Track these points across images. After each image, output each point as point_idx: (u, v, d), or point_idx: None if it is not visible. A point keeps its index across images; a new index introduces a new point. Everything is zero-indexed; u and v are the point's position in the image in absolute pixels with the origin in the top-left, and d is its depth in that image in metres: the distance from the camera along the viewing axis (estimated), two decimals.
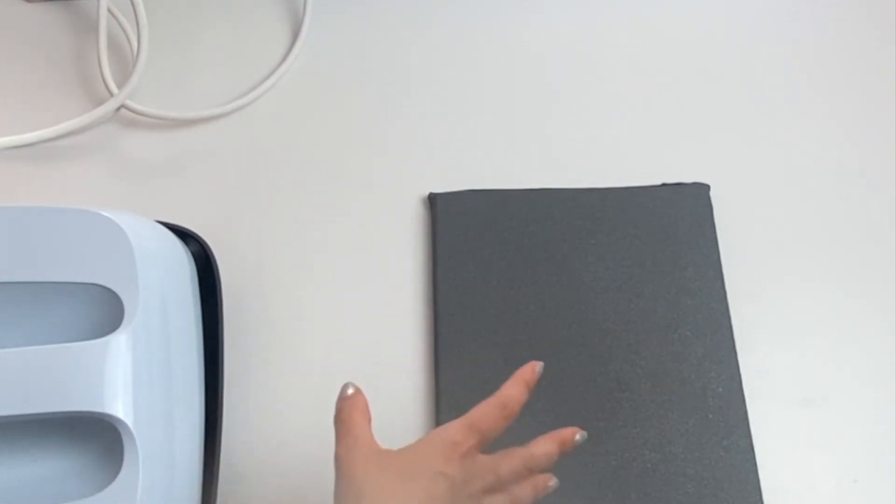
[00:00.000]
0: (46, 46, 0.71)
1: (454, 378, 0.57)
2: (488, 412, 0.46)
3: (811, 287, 0.61)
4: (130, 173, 0.66)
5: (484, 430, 0.46)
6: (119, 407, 0.44)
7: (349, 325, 0.60)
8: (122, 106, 0.66)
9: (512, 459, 0.47)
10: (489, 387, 0.57)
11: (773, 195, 0.65)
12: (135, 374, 0.46)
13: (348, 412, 0.46)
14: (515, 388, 0.47)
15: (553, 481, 0.48)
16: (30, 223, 0.48)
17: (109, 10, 0.69)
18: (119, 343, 0.45)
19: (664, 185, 0.64)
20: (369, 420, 0.47)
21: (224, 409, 0.55)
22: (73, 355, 0.45)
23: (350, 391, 0.47)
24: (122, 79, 0.67)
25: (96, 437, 0.48)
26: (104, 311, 0.48)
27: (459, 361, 0.58)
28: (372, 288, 0.61)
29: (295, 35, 0.72)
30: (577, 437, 0.48)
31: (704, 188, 0.64)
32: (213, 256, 0.57)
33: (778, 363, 0.58)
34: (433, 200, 0.64)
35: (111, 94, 0.66)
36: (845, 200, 0.64)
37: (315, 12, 0.72)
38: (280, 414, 0.57)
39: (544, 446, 0.47)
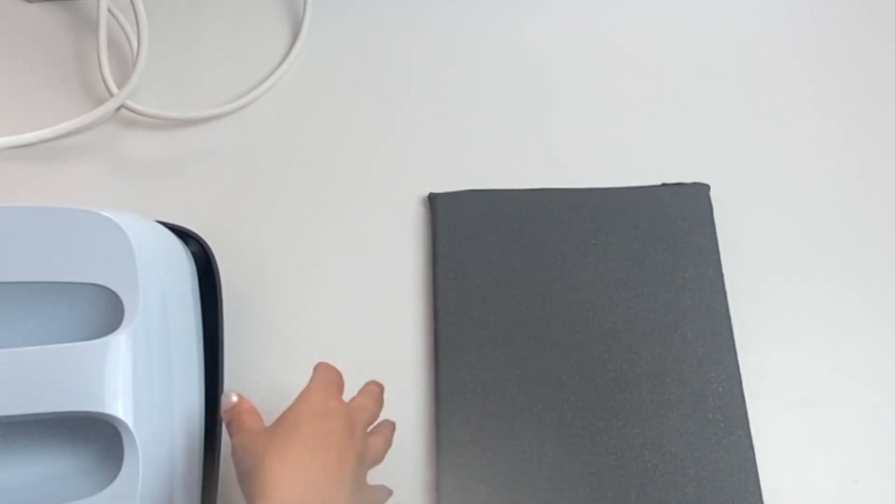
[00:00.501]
0: (46, 46, 0.71)
1: (454, 378, 0.57)
2: (324, 368, 0.51)
3: (811, 287, 0.61)
4: (130, 173, 0.66)
5: (331, 382, 0.50)
6: (119, 407, 0.45)
7: (349, 325, 0.60)
8: (122, 106, 0.66)
9: (364, 397, 0.51)
10: (489, 386, 0.57)
11: (773, 195, 0.65)
12: (135, 374, 0.46)
13: (236, 416, 0.47)
14: (324, 370, 0.51)
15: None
16: (30, 223, 0.48)
17: (109, 10, 0.69)
18: (119, 343, 0.45)
19: (664, 185, 0.64)
20: (259, 417, 0.47)
21: None
22: (73, 355, 0.45)
23: (234, 398, 0.48)
24: (122, 79, 0.67)
25: (96, 437, 0.48)
26: (104, 311, 0.48)
27: (459, 361, 0.58)
28: (372, 288, 0.61)
29: (295, 35, 0.72)
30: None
31: (704, 188, 0.64)
32: (213, 256, 0.57)
33: (778, 363, 0.58)
34: (433, 200, 0.64)
35: (111, 94, 0.66)
36: (845, 200, 0.64)
37: (315, 12, 0.72)
38: (280, 414, 0.57)
39: (374, 385, 0.52)
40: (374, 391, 0.52)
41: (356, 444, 0.47)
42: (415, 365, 0.59)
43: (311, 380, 0.50)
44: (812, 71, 0.70)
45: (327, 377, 0.50)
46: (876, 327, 0.60)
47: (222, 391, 0.55)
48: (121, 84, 0.66)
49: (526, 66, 0.71)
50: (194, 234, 0.58)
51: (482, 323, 0.59)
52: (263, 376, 0.58)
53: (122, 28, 0.70)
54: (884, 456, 0.56)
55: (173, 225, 0.57)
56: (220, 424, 0.54)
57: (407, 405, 0.57)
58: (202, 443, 0.53)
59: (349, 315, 0.60)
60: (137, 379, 0.46)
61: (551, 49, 0.71)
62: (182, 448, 0.50)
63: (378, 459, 0.51)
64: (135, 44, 0.68)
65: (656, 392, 0.57)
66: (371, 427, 0.51)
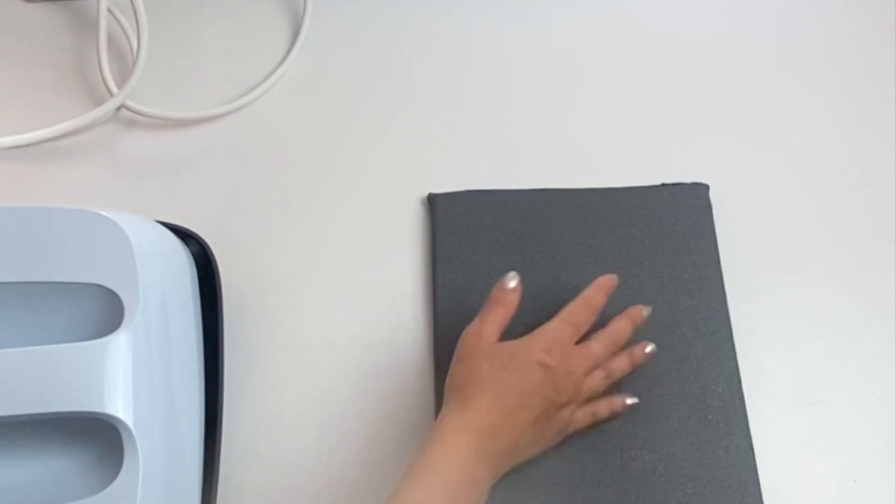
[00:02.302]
0: (46, 46, 0.71)
1: None
2: (577, 309, 0.54)
3: (811, 287, 0.61)
4: (130, 173, 0.66)
5: (577, 322, 0.54)
6: (119, 407, 0.44)
7: (349, 325, 0.60)
8: (122, 106, 0.66)
9: (599, 340, 0.54)
10: None
11: (773, 195, 0.65)
12: (135, 374, 0.46)
13: (495, 303, 0.54)
14: (594, 289, 0.55)
15: (650, 347, 0.56)
16: (30, 223, 0.48)
17: (109, 10, 0.69)
18: (119, 343, 0.45)
19: (664, 185, 0.64)
20: (504, 320, 0.54)
21: (224, 409, 0.55)
22: (73, 355, 0.45)
23: (511, 284, 0.55)
24: (122, 79, 0.67)
25: (96, 437, 0.48)
26: (104, 311, 0.48)
27: None
28: (371, 288, 0.61)
29: (295, 35, 0.72)
30: (644, 312, 0.56)
31: (704, 188, 0.64)
32: (213, 256, 0.57)
33: (778, 363, 0.58)
34: (433, 200, 0.64)
35: (111, 94, 0.66)
36: (845, 200, 0.64)
37: (315, 12, 0.72)
38: (280, 414, 0.57)
39: (620, 323, 0.55)
40: (618, 334, 0.55)
41: (554, 397, 0.51)
42: (414, 364, 0.59)
43: (558, 317, 0.54)
44: (812, 71, 0.70)
45: (572, 319, 0.54)
46: (876, 327, 0.60)
47: (222, 392, 0.55)
48: (121, 84, 0.66)
49: (525, 66, 0.71)
50: (194, 234, 0.58)
51: None
52: (263, 376, 0.58)
53: (122, 28, 0.70)
54: (884, 456, 0.56)
55: (173, 225, 0.56)
56: (221, 424, 0.54)
57: (407, 405, 0.57)
58: (202, 443, 0.53)
59: (349, 315, 0.60)
60: (137, 379, 0.46)
61: (551, 49, 0.71)
62: (182, 448, 0.50)
63: (593, 396, 0.54)
64: (135, 44, 0.68)
65: (656, 392, 0.57)
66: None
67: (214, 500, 0.53)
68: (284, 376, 0.59)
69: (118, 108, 0.67)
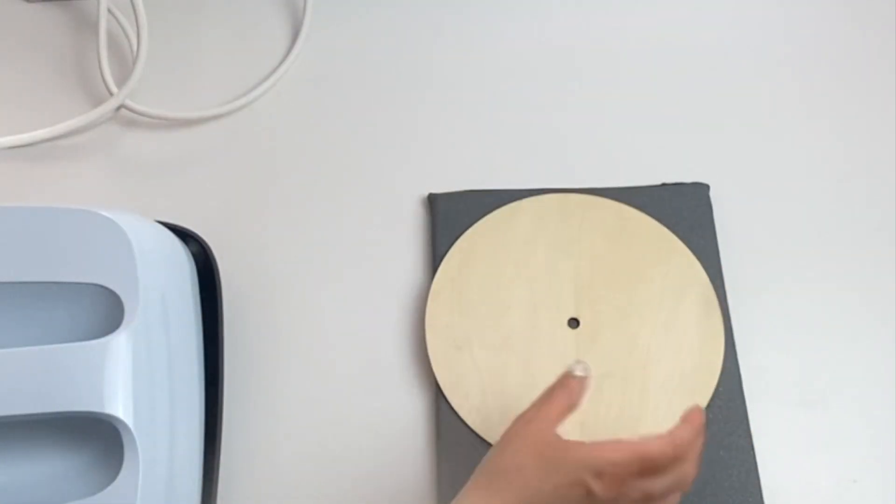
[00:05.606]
0: (46, 46, 0.71)
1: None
2: (656, 450, 0.44)
3: (811, 287, 0.61)
4: (130, 173, 0.66)
5: (647, 462, 0.44)
6: (119, 407, 0.44)
7: (349, 325, 0.60)
8: (122, 106, 0.66)
9: (664, 481, 0.45)
10: None
11: (773, 195, 0.65)
12: (135, 374, 0.46)
13: (559, 391, 0.47)
14: (684, 430, 0.46)
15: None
16: (30, 223, 0.48)
17: (109, 10, 0.69)
18: (119, 343, 0.45)
19: (664, 185, 0.64)
20: (566, 412, 0.47)
21: (224, 409, 0.55)
22: (73, 355, 0.45)
23: (579, 373, 0.48)
24: (122, 79, 0.67)
25: (96, 437, 0.48)
26: (104, 311, 0.48)
27: None
28: (371, 287, 0.61)
29: (295, 35, 0.72)
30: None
31: (704, 188, 0.64)
32: (213, 256, 0.57)
33: (778, 363, 0.58)
34: (433, 200, 0.64)
35: (111, 94, 0.66)
36: (845, 200, 0.64)
37: (315, 12, 0.72)
38: (280, 414, 0.57)
39: (691, 467, 0.46)
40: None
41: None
42: (414, 364, 0.59)
43: (632, 446, 0.44)
44: (812, 71, 0.70)
45: (647, 456, 0.44)
46: (876, 327, 0.60)
47: (222, 392, 0.55)
48: (121, 84, 0.66)
49: (525, 66, 0.70)
50: (194, 234, 0.58)
51: None
52: (263, 376, 0.58)
53: (122, 28, 0.70)
54: (884, 456, 0.56)
55: (173, 225, 0.57)
56: (221, 424, 0.54)
57: (407, 405, 0.57)
58: (202, 443, 0.53)
59: (349, 315, 0.60)
60: (137, 379, 0.46)
61: (551, 49, 0.71)
62: (182, 448, 0.50)
63: None
64: (135, 44, 0.68)
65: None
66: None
67: (214, 500, 0.53)
68: (284, 375, 0.59)
69: (118, 108, 0.67)
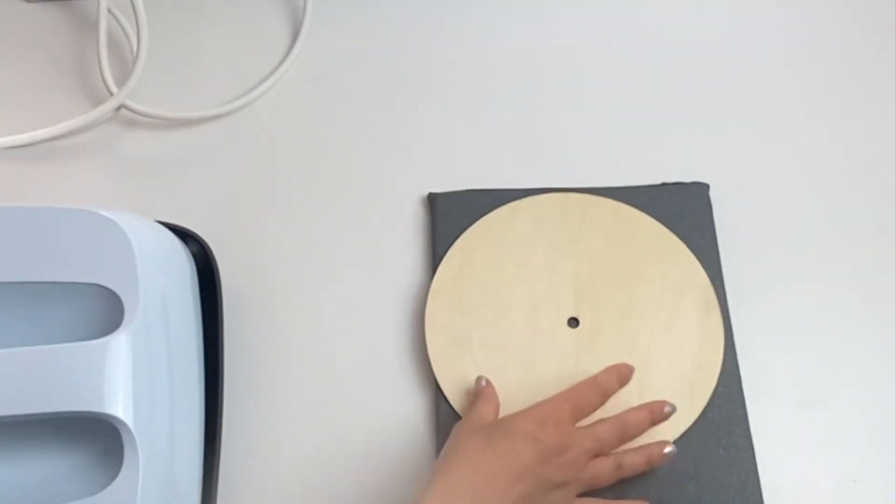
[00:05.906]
0: (46, 46, 0.71)
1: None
2: (582, 388, 0.53)
3: (811, 287, 0.61)
4: (130, 173, 0.66)
5: (578, 402, 0.52)
6: (119, 407, 0.44)
7: (349, 325, 0.60)
8: (122, 106, 0.66)
9: (606, 424, 0.52)
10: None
11: (773, 195, 0.65)
12: (135, 374, 0.46)
13: (476, 394, 0.54)
14: (606, 373, 0.54)
15: (669, 448, 0.52)
16: (30, 223, 0.48)
17: (109, 10, 0.69)
18: (119, 343, 0.45)
19: (664, 184, 0.64)
20: (496, 407, 0.53)
21: (224, 409, 0.55)
22: (73, 355, 0.45)
23: (483, 383, 0.55)
24: (122, 79, 0.67)
25: (96, 437, 0.48)
26: (104, 311, 0.48)
27: None
28: (371, 287, 0.61)
29: (295, 35, 0.72)
30: (667, 408, 0.53)
31: (704, 188, 0.64)
32: (213, 256, 0.57)
33: (778, 363, 0.58)
34: (433, 200, 0.64)
35: (111, 94, 0.66)
36: (845, 200, 0.64)
37: (315, 12, 0.72)
38: (280, 414, 0.57)
39: (636, 413, 0.52)
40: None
41: (546, 473, 0.48)
42: (414, 364, 0.59)
43: (560, 393, 0.52)
44: (812, 70, 0.70)
45: (574, 398, 0.52)
46: (876, 327, 0.60)
47: (222, 392, 0.55)
48: (121, 84, 0.66)
49: (525, 66, 0.71)
50: (194, 234, 0.58)
51: None
52: (263, 376, 0.58)
53: (122, 28, 0.70)
54: (884, 456, 0.56)
55: (173, 225, 0.57)
56: (221, 424, 0.54)
57: (407, 405, 0.57)
58: (202, 443, 0.53)
59: (349, 315, 0.60)
60: (137, 379, 0.46)
61: (551, 49, 0.71)
62: (182, 448, 0.50)
63: (598, 485, 0.51)
64: (135, 44, 0.68)
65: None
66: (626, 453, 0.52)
67: (214, 501, 0.53)
68: (285, 376, 0.59)
69: (118, 108, 0.67)
